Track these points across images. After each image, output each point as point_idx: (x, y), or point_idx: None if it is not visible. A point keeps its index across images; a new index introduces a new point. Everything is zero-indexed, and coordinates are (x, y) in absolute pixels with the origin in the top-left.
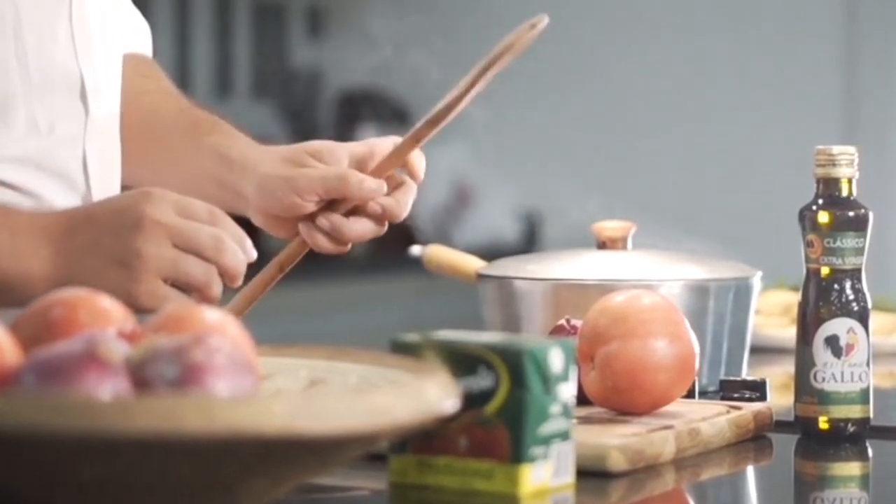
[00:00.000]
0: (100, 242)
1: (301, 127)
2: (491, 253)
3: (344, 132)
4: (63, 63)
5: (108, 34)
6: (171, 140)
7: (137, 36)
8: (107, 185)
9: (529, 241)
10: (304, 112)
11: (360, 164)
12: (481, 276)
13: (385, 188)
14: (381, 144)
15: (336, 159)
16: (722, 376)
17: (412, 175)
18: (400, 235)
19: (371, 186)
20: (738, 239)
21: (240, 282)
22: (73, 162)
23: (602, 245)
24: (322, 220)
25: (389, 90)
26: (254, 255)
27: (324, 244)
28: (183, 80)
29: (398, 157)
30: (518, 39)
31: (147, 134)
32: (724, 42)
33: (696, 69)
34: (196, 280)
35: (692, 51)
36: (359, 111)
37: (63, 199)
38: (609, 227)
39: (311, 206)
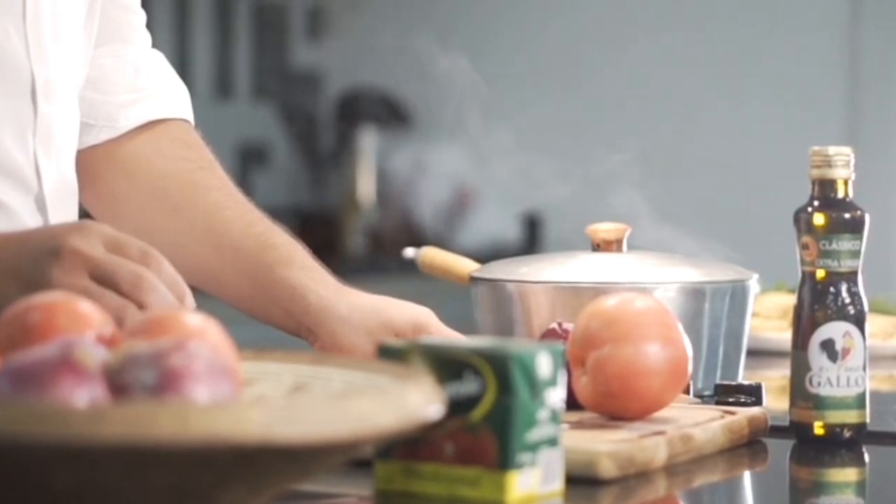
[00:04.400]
0: (18, 266)
1: (301, 127)
2: (492, 255)
3: (344, 133)
4: (14, 60)
5: (64, 36)
6: (239, 257)
7: (176, 100)
8: (62, 190)
9: (530, 243)
10: (304, 112)
11: None
12: (474, 279)
13: None
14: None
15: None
16: (718, 380)
17: None
18: (398, 238)
19: None
20: (739, 241)
21: None
22: (25, 163)
23: (597, 247)
24: None
25: (389, 90)
26: (192, 304)
27: None
28: (183, 80)
29: None
30: None
31: (209, 239)
32: (726, 43)
33: (697, 70)
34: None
35: (694, 52)
36: (359, 112)
37: (16, 200)
38: (604, 228)
39: None
